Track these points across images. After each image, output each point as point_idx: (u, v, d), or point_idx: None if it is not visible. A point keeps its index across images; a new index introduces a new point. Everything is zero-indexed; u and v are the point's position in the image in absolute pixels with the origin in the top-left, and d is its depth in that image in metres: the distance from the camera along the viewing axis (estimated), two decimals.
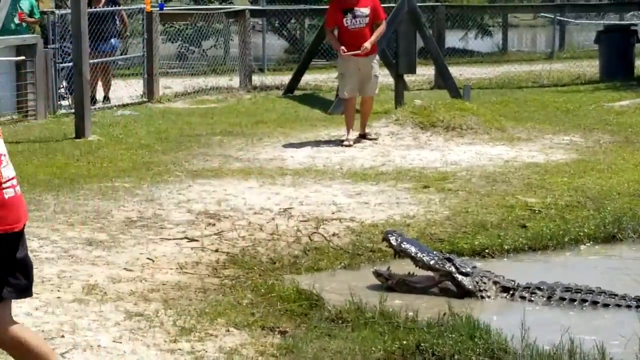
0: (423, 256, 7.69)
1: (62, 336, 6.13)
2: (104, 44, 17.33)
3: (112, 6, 17.97)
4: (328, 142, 13.70)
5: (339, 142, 13.58)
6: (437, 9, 24.10)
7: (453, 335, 6.36)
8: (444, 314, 6.83)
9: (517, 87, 21.51)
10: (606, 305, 7.23)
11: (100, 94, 17.78)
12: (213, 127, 15.13)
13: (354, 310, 6.93)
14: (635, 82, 20.69)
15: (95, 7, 16.91)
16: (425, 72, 20.92)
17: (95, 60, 16.28)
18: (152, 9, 18.15)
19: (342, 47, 13.39)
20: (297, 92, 19.85)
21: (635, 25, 23.36)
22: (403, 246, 7.75)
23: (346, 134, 13.72)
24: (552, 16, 29.19)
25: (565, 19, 28.88)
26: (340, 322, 6.80)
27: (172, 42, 25.67)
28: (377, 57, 14.12)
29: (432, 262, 7.64)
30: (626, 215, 9.58)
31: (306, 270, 8.16)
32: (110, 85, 18.00)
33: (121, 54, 20.04)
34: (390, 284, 7.67)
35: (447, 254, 7.97)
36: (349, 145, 13.44)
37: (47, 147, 13.13)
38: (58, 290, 7.11)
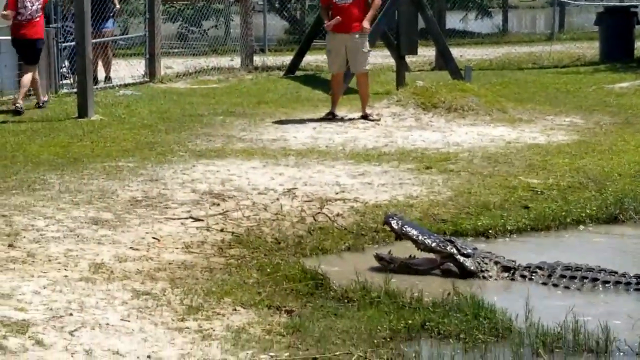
0: (425, 239, 7.69)
1: (71, 314, 6.13)
2: (103, 23, 17.32)
3: None
4: (330, 123, 13.69)
5: (341, 122, 13.64)
6: None
7: (458, 315, 6.44)
8: (449, 294, 6.88)
9: (518, 68, 21.57)
10: (606, 283, 7.26)
11: (101, 74, 17.72)
12: (215, 107, 15.16)
13: (360, 290, 6.98)
14: (635, 64, 20.70)
15: None
16: (426, 53, 20.94)
17: (96, 40, 16.20)
18: None
19: (326, 21, 13.56)
20: (298, 73, 19.87)
21: (636, 7, 23.31)
22: (404, 229, 7.74)
23: (331, 108, 14.01)
24: None
25: (565, 0, 28.84)
26: (346, 301, 6.86)
27: (173, 22, 25.68)
28: (366, 34, 13.98)
29: (433, 245, 7.64)
30: (628, 196, 9.62)
31: (311, 250, 8.16)
32: (110, 64, 17.94)
33: (122, 34, 20.01)
34: (392, 267, 7.67)
35: (449, 236, 8.02)
36: (330, 118, 13.80)
37: (50, 127, 13.16)
38: (65, 269, 7.13)
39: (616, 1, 28.74)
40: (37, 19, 14.16)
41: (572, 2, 29.52)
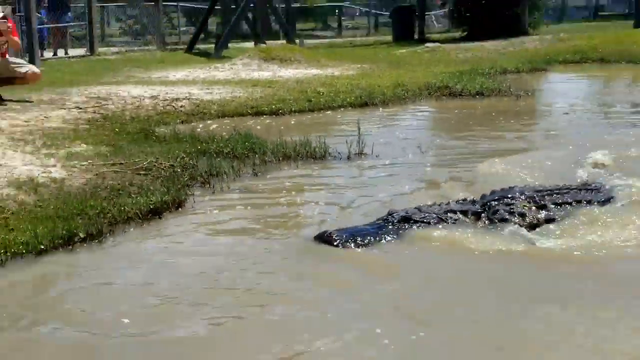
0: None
1: None
2: (64, 17, 16.73)
3: None
4: (201, 69, 13.21)
5: (210, 69, 13.14)
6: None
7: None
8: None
9: (345, 46, 21.17)
10: None
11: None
12: (128, 65, 14.37)
13: (172, 136, 6.66)
14: (414, 41, 20.55)
15: None
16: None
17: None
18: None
19: None
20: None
21: (414, 6, 22.97)
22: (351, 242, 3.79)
23: None
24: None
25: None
26: (163, 141, 6.52)
27: (116, 21, 24.45)
28: None
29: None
30: (374, 92, 9.57)
31: (155, 123, 7.70)
32: (67, 45, 17.17)
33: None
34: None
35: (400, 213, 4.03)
36: None
37: None
38: None
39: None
40: None
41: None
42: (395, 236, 3.75)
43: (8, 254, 3.67)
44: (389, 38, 22.95)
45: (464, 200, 4.17)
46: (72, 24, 17.91)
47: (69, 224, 3.99)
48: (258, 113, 8.44)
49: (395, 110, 9.00)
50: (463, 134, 7.15)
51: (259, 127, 7.67)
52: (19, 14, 14.94)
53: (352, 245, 3.68)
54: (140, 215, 4.29)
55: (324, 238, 3.75)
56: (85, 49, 17.30)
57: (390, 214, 3.95)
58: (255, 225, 4.27)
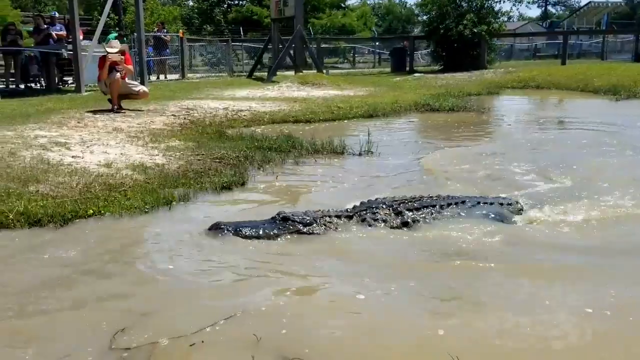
0: (264, 232, 3.41)
1: (91, 141, 5.73)
2: (164, 51, 16.75)
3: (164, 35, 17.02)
4: (257, 90, 13.17)
5: (263, 87, 13.11)
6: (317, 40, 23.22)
7: (278, 141, 6.17)
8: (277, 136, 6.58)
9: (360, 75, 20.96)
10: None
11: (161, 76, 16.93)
12: (207, 85, 14.39)
13: (237, 136, 6.67)
14: (405, 72, 20.30)
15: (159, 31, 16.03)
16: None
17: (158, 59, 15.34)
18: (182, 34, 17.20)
19: None
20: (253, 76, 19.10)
21: (403, 44, 22.56)
22: (240, 233, 3.40)
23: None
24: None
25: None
26: (232, 140, 6.53)
27: (200, 55, 24.35)
28: None
29: (275, 232, 3.41)
30: (378, 107, 9.42)
31: (225, 127, 7.71)
32: (166, 71, 17.25)
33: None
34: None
35: (283, 214, 3.51)
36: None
37: None
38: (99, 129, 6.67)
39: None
40: None
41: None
42: (271, 227, 3.41)
43: (125, 213, 3.76)
44: (389, 70, 22.62)
45: (343, 209, 3.64)
46: (169, 57, 17.88)
47: (167, 194, 4.07)
48: (297, 121, 8.39)
49: (392, 120, 8.87)
50: (439, 137, 7.09)
51: (296, 130, 7.63)
52: (133, 49, 15.01)
53: (240, 231, 3.38)
54: (216, 189, 4.38)
55: (216, 226, 3.40)
56: (178, 74, 17.35)
57: (278, 214, 3.49)
58: (290, 191, 4.39)
